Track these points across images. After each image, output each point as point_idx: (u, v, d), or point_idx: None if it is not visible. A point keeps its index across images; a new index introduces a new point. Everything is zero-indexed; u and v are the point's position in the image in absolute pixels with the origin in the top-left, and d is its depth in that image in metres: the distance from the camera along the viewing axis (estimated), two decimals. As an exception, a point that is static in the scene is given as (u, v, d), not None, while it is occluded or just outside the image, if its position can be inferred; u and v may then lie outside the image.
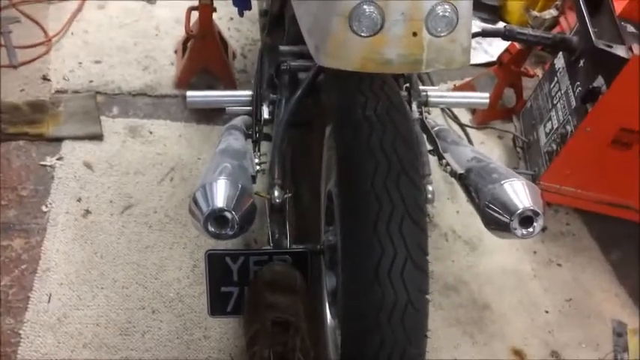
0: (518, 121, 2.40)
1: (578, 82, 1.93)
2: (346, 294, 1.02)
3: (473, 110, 2.47)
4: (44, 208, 1.83)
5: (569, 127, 1.92)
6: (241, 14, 2.09)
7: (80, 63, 2.31)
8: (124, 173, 1.98)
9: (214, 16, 2.17)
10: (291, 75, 1.47)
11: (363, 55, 0.92)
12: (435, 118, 2.30)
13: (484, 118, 2.43)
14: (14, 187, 1.87)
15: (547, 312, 1.88)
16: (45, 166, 1.94)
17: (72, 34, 2.43)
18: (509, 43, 2.27)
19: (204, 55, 2.24)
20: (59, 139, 2.02)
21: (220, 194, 1.10)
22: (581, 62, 1.93)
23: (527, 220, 1.12)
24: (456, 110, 2.42)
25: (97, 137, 2.05)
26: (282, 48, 1.50)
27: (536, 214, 1.11)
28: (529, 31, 2.06)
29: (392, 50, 0.91)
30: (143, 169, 2.00)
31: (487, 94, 1.66)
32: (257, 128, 1.53)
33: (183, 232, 1.84)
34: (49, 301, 1.63)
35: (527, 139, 2.26)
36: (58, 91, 2.19)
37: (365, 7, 0.88)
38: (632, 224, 2.08)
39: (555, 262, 2.03)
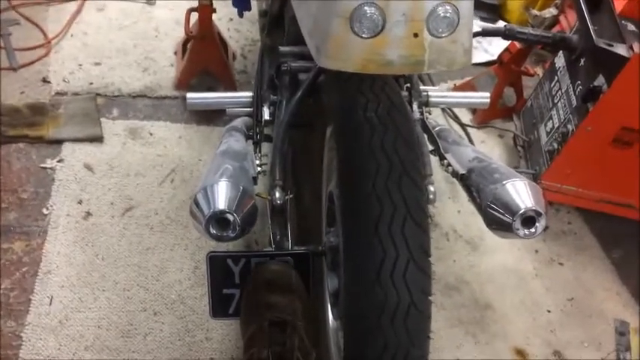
0: (519, 120, 2.40)
1: (579, 81, 1.93)
2: (348, 296, 1.02)
3: (473, 110, 2.47)
4: (45, 211, 1.83)
5: (570, 126, 1.92)
6: (241, 15, 2.09)
7: (80, 65, 2.31)
8: (125, 175, 1.97)
9: (214, 16, 2.16)
10: (291, 76, 1.46)
11: (364, 56, 0.92)
12: (436, 118, 2.31)
13: (484, 118, 2.43)
14: (15, 189, 1.87)
15: (549, 311, 1.88)
16: (45, 168, 1.94)
17: (71, 36, 2.43)
18: (510, 42, 2.27)
19: (204, 56, 2.24)
20: (59, 142, 2.02)
21: (222, 196, 1.09)
22: (582, 61, 1.93)
23: (529, 220, 1.12)
24: (456, 110, 2.42)
25: (98, 139, 2.05)
26: (283, 49, 1.49)
27: (539, 214, 1.11)
28: (529, 30, 2.06)
29: (393, 51, 0.91)
30: (144, 170, 2.00)
31: (488, 94, 1.65)
32: (258, 129, 1.53)
33: (184, 233, 1.84)
34: (50, 304, 1.62)
35: (527, 138, 2.26)
36: (57, 93, 2.18)
37: (366, 8, 0.88)
38: (633, 223, 2.09)
39: (557, 261, 2.03)
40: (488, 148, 2.36)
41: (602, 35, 1.76)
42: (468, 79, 2.55)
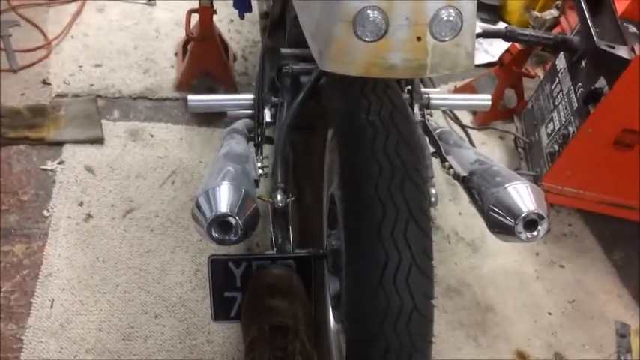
0: (520, 122, 2.40)
1: (580, 83, 1.93)
2: (351, 300, 1.01)
3: (474, 111, 2.46)
4: (46, 213, 1.82)
5: (571, 128, 1.92)
6: (242, 16, 2.09)
7: (80, 66, 2.31)
8: (125, 177, 1.97)
9: (214, 18, 2.16)
10: (292, 78, 1.46)
11: (367, 60, 0.91)
12: (437, 120, 2.31)
13: (485, 119, 2.43)
14: (15, 191, 1.86)
15: (550, 313, 1.88)
16: (46, 170, 1.94)
17: (72, 37, 2.42)
18: (510, 43, 2.27)
19: (204, 57, 2.24)
20: (60, 143, 2.01)
21: (224, 199, 1.09)
22: (583, 63, 1.92)
23: (531, 223, 1.11)
24: (457, 111, 2.42)
25: (98, 141, 2.05)
26: (284, 51, 1.49)
27: (541, 217, 1.11)
28: (530, 31, 2.06)
29: (396, 55, 0.91)
30: (144, 172, 2.00)
31: (489, 96, 1.65)
32: (259, 131, 1.53)
33: (185, 235, 1.84)
34: (51, 307, 1.62)
35: (528, 139, 2.26)
36: (58, 95, 2.18)
37: (369, 12, 0.88)
38: (634, 225, 2.09)
39: (558, 263, 2.03)
40: (488, 149, 2.36)
41: (603, 37, 1.76)
42: (468, 80, 2.55)
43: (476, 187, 1.27)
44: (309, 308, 1.21)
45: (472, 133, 2.40)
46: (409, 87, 1.51)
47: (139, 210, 1.89)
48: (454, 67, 0.94)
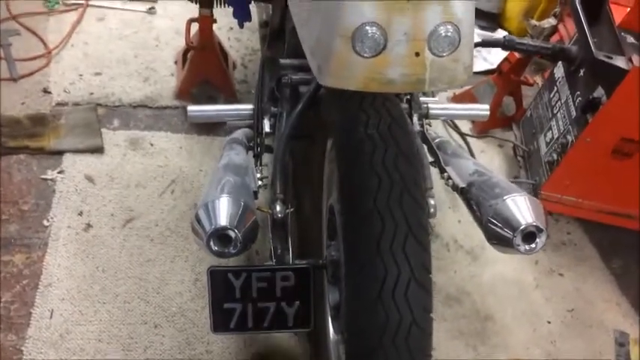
0: (519, 130, 2.40)
1: (578, 92, 1.94)
2: (350, 314, 1.02)
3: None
4: (45, 223, 1.83)
5: (569, 137, 1.92)
6: (241, 26, 2.10)
7: (80, 75, 2.31)
8: (125, 186, 1.97)
9: (214, 26, 2.17)
10: (292, 88, 1.47)
11: (366, 75, 0.92)
12: (435, 128, 2.31)
13: (484, 127, 2.43)
14: (15, 201, 1.87)
15: (549, 322, 1.88)
16: (46, 179, 1.94)
17: (72, 46, 2.43)
18: (509, 52, 2.28)
19: (204, 66, 2.25)
20: (60, 152, 2.01)
21: (223, 212, 1.09)
22: (581, 72, 1.93)
23: (530, 235, 1.11)
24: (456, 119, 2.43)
25: (98, 150, 2.05)
26: (283, 61, 1.49)
27: (539, 229, 1.11)
28: (528, 41, 2.07)
29: (395, 70, 0.91)
30: (144, 181, 2.00)
31: (487, 106, 1.66)
32: (258, 141, 1.53)
33: (185, 245, 1.84)
34: (50, 317, 1.62)
35: (527, 148, 2.26)
36: (58, 104, 2.18)
37: (367, 28, 0.89)
38: (633, 233, 2.09)
39: (557, 271, 2.03)
40: (487, 157, 2.36)
41: (601, 47, 1.76)
42: (467, 88, 2.56)
43: (474, 198, 1.27)
44: None
45: (471, 141, 2.40)
46: (408, 97, 1.51)
47: (139, 219, 1.89)
48: (452, 82, 0.95)
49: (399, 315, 0.94)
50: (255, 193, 1.30)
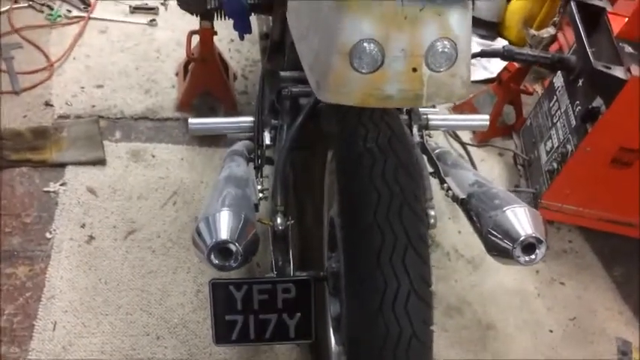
0: (519, 139, 2.41)
1: (578, 102, 1.94)
2: (350, 326, 1.02)
3: (473, 128, 2.48)
4: (48, 235, 1.84)
5: (569, 147, 1.93)
6: (242, 38, 2.10)
7: (82, 88, 2.33)
8: (127, 198, 1.98)
9: (215, 37, 2.18)
10: (292, 100, 1.48)
11: (364, 90, 0.93)
12: (436, 137, 2.33)
13: (484, 136, 2.44)
14: (18, 214, 1.88)
15: (551, 331, 1.88)
16: (48, 192, 1.95)
17: (74, 58, 2.45)
18: (508, 61, 2.29)
19: (205, 78, 2.26)
20: (62, 165, 2.03)
21: (224, 226, 1.10)
22: (580, 81, 1.94)
23: (529, 247, 1.12)
24: (456, 129, 2.43)
25: (100, 162, 2.06)
26: (283, 74, 1.51)
27: (539, 241, 1.12)
28: (527, 50, 2.08)
29: (392, 86, 0.92)
30: (146, 193, 2.01)
31: (487, 117, 1.67)
32: (259, 153, 1.54)
33: (187, 256, 1.85)
34: (53, 330, 1.63)
35: (527, 157, 2.27)
36: (60, 117, 2.20)
37: (365, 44, 0.90)
38: (634, 241, 2.09)
39: (558, 280, 2.03)
40: (488, 166, 2.37)
41: (599, 57, 1.77)
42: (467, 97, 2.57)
43: (474, 209, 1.28)
44: None
45: (472, 149, 2.41)
46: (407, 108, 1.52)
47: (141, 231, 1.90)
48: (450, 97, 0.96)
49: (399, 328, 0.95)
50: (256, 206, 1.31)
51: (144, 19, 2.70)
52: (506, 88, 2.37)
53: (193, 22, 2.16)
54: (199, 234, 1.11)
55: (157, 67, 2.49)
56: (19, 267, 1.75)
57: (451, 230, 2.10)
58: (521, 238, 1.12)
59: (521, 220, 1.15)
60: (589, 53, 1.78)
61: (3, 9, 2.55)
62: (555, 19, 2.65)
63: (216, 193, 1.25)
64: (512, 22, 2.98)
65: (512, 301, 1.94)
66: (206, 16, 2.04)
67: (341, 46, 0.91)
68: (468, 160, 2.36)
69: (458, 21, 0.90)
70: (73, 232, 1.86)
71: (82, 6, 2.68)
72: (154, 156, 2.14)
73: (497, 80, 2.43)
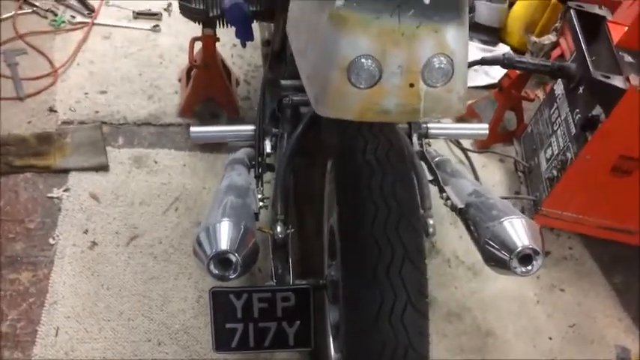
0: (519, 146, 2.42)
1: (578, 110, 1.95)
2: (347, 337, 1.04)
3: (474, 134, 2.48)
4: (51, 241, 1.85)
5: (569, 154, 1.94)
6: (244, 45, 2.12)
7: (86, 94, 2.34)
8: (130, 204, 2.00)
9: (217, 43, 2.19)
10: (292, 109, 1.49)
11: (361, 105, 0.94)
12: (438, 143, 2.33)
13: (485, 142, 2.45)
14: (21, 219, 1.89)
15: (550, 338, 1.89)
16: (52, 198, 1.97)
17: (78, 64, 2.46)
18: (509, 68, 2.29)
19: (207, 84, 2.27)
20: (66, 171, 2.04)
21: (224, 236, 1.12)
22: (580, 89, 1.95)
23: (526, 258, 1.14)
24: (457, 134, 2.44)
25: (103, 168, 2.08)
26: (284, 82, 1.52)
27: (536, 252, 1.13)
28: (528, 58, 2.09)
29: (390, 101, 0.93)
30: (148, 199, 2.03)
31: (486, 125, 1.68)
32: (260, 160, 1.56)
33: (188, 262, 1.86)
34: (56, 335, 1.64)
35: (528, 164, 2.28)
36: (64, 123, 2.21)
37: (363, 60, 0.91)
38: (634, 248, 2.10)
39: (558, 287, 2.04)
40: (489, 172, 2.38)
41: (599, 66, 1.78)
42: (469, 103, 2.58)
43: (472, 219, 1.29)
44: None
45: (473, 156, 2.42)
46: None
47: (143, 237, 1.92)
48: (447, 112, 0.97)
49: (395, 339, 0.96)
50: (257, 215, 1.32)
51: (147, 24, 2.72)
52: (507, 94, 2.37)
53: (196, 27, 2.17)
54: (199, 244, 1.13)
55: (160, 72, 2.50)
56: (23, 272, 1.77)
57: (452, 236, 2.11)
58: (517, 249, 1.13)
59: (518, 231, 1.17)
60: (588, 62, 1.78)
61: (7, 15, 2.57)
62: (557, 25, 2.66)
63: (217, 203, 1.27)
64: (514, 27, 2.98)
65: (511, 307, 1.95)
66: (208, 23, 2.05)
67: (339, 62, 0.92)
68: (469, 166, 2.37)
69: (454, 37, 0.92)
70: (76, 237, 1.88)
71: (86, 12, 2.69)
72: (156, 162, 2.15)
73: (498, 86, 2.44)
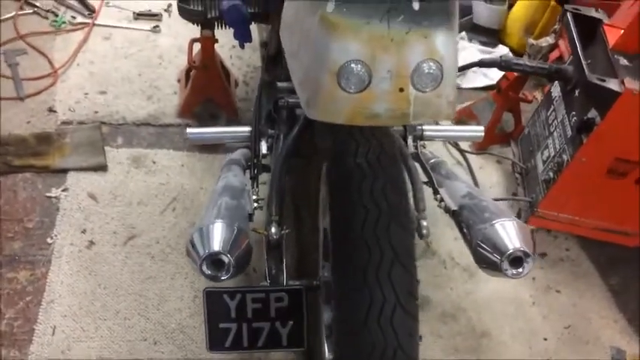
0: (517, 147, 2.42)
1: (574, 112, 1.96)
2: (338, 339, 1.05)
3: (472, 134, 2.49)
4: (49, 240, 1.87)
5: (565, 157, 1.94)
6: (242, 47, 2.13)
7: (86, 94, 2.36)
8: (128, 204, 2.01)
9: (216, 44, 2.20)
10: (288, 110, 1.50)
11: (352, 109, 0.95)
12: (435, 143, 2.34)
13: (483, 144, 2.45)
14: (20, 218, 1.91)
15: (545, 339, 1.90)
16: (50, 197, 1.98)
17: (78, 65, 2.48)
18: (507, 70, 2.30)
19: (206, 85, 2.28)
20: (64, 171, 2.06)
21: (217, 237, 1.13)
22: (577, 92, 1.95)
23: (517, 260, 1.14)
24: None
25: (102, 168, 2.09)
26: (280, 84, 1.54)
27: (527, 254, 1.14)
28: (525, 61, 2.09)
29: (380, 105, 0.94)
30: (146, 199, 2.04)
31: (482, 127, 1.69)
32: (255, 161, 1.57)
33: (185, 262, 1.87)
34: (53, 334, 1.66)
35: (525, 165, 2.28)
36: (63, 123, 2.22)
37: (353, 65, 0.92)
38: (630, 250, 2.10)
39: (554, 288, 2.05)
40: (486, 173, 2.39)
41: (594, 69, 1.78)
42: (467, 104, 2.58)
43: (465, 221, 1.30)
44: None
45: (470, 157, 2.42)
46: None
47: (140, 237, 1.93)
48: (436, 116, 0.98)
49: (384, 340, 0.97)
50: (251, 216, 1.33)
51: (147, 25, 2.73)
52: (505, 96, 2.38)
53: (196, 29, 2.19)
54: (193, 245, 1.14)
55: (159, 73, 2.52)
56: (21, 271, 1.78)
57: (447, 237, 2.11)
58: (508, 252, 1.14)
59: (509, 233, 1.18)
60: (584, 65, 1.79)
61: (8, 15, 2.59)
62: (556, 27, 2.67)
63: (212, 204, 1.28)
64: (514, 29, 2.99)
65: (507, 308, 1.95)
66: (207, 25, 2.06)
67: (329, 66, 0.93)
68: (467, 167, 2.38)
69: (443, 43, 0.93)
70: (74, 237, 1.89)
71: (86, 12, 2.71)
72: (154, 162, 2.16)
73: (496, 88, 2.44)
